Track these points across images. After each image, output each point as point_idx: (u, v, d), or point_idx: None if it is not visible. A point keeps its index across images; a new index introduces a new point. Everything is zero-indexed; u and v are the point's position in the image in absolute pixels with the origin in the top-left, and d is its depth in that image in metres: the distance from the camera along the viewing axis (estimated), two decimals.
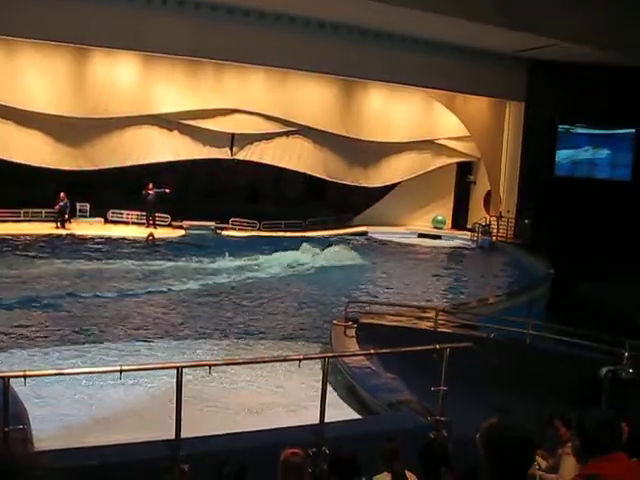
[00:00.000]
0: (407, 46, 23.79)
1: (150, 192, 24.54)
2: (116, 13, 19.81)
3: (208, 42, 21.28)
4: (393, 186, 29.73)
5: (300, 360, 7.06)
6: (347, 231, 27.98)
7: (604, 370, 9.96)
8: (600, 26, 21.46)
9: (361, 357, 10.20)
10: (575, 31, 21.45)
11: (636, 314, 16.89)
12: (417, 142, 28.96)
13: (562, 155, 26.81)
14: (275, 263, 21.45)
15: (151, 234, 23.36)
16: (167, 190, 24.62)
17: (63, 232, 23.08)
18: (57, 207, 23.45)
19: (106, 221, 25.01)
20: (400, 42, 23.65)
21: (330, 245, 23.92)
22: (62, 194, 23.39)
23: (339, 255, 22.93)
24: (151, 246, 22.62)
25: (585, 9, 21.19)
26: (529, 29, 21.26)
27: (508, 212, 27.51)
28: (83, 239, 22.56)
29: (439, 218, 30.34)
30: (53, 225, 23.43)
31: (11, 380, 5.67)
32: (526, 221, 26.26)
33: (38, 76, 22.53)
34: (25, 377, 5.71)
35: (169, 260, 20.75)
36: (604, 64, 23.45)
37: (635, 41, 21.99)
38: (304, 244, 23.25)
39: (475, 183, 30.69)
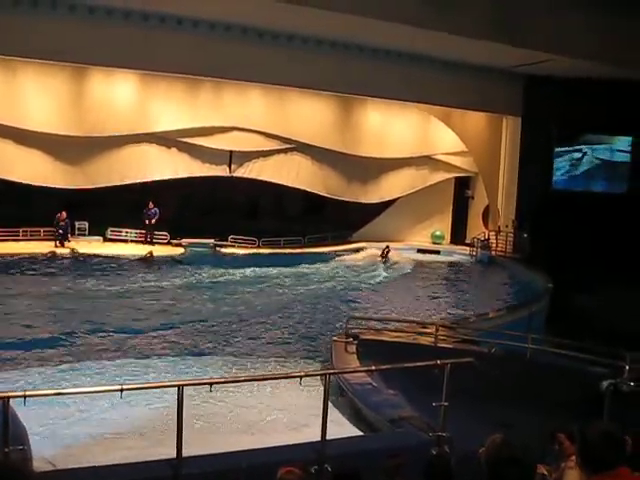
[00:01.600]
0: (404, 63, 23.87)
1: (150, 210, 24.56)
2: (114, 32, 19.89)
3: (206, 60, 21.37)
4: (392, 202, 29.78)
5: (301, 377, 7.06)
6: (346, 247, 28.00)
7: (605, 383, 9.93)
8: (594, 40, 21.59)
9: (362, 373, 10.18)
10: (569, 45, 21.58)
11: (636, 325, 16.86)
12: (415, 158, 29.08)
13: (559, 168, 26.89)
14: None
15: (150, 252, 23.38)
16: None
17: (64, 250, 23.02)
18: (63, 222, 23.43)
19: (105, 239, 25.00)
20: (397, 59, 23.76)
21: (388, 248, 27.07)
22: (63, 213, 23.38)
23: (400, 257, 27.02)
24: (152, 263, 22.69)
25: (579, 23, 21.34)
26: (525, 45, 21.38)
27: (507, 226, 27.54)
28: (86, 257, 22.61)
29: (438, 233, 30.38)
30: (52, 244, 23.37)
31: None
32: (524, 235, 26.28)
33: (37, 95, 22.64)
34: (25, 397, 5.69)
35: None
36: (599, 78, 23.57)
37: (628, 54, 22.13)
38: (365, 249, 27.43)
39: (473, 198, 30.75)
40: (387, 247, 27.14)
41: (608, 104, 24.14)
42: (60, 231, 23.49)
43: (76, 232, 24.55)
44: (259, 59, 21.72)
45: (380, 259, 26.62)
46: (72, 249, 23.06)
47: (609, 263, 22.45)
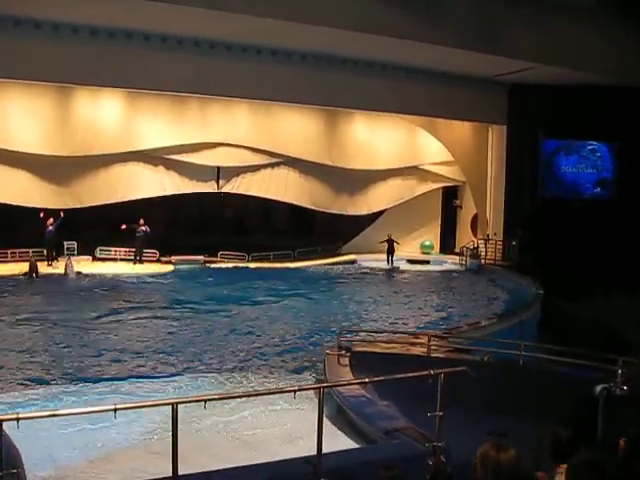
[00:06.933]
0: (388, 74, 24.08)
1: (141, 228, 24.45)
2: (99, 51, 19.96)
3: (192, 77, 21.45)
4: (380, 213, 29.86)
5: (295, 391, 7.03)
6: (336, 260, 28.05)
7: (599, 388, 9.94)
8: (574, 47, 21.84)
9: (356, 386, 10.15)
10: (551, 53, 21.84)
11: (626, 330, 16.94)
12: (402, 168, 29.19)
13: (545, 174, 27.11)
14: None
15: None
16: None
17: (55, 270, 22.79)
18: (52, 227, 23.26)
19: (94, 259, 24.91)
20: (381, 70, 23.95)
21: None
22: (50, 219, 23.20)
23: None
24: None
25: (558, 31, 21.59)
26: (508, 54, 21.60)
27: (495, 234, 27.66)
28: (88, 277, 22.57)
29: (427, 243, 30.46)
30: (44, 263, 23.18)
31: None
32: (513, 243, 26.41)
33: (22, 116, 22.53)
34: (18, 420, 5.63)
35: None
36: (583, 84, 23.81)
37: (610, 60, 22.39)
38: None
39: (461, 207, 30.88)
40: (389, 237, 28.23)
41: (592, 109, 24.39)
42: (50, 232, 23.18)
43: (65, 252, 24.43)
44: (244, 75, 21.82)
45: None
46: (78, 270, 22.90)
47: (599, 267, 22.57)
